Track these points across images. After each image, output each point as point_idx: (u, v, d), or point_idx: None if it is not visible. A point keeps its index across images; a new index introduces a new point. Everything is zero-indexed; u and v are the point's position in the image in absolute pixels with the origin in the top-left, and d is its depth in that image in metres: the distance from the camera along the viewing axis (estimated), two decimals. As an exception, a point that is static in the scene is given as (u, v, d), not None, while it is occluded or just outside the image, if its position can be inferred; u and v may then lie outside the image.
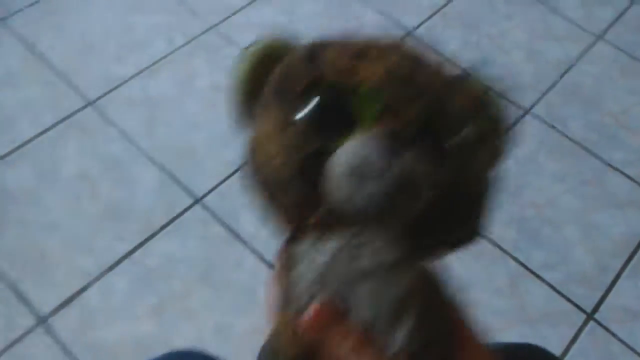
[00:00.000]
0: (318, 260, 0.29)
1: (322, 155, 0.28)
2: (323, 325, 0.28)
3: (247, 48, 0.34)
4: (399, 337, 0.28)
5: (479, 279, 1.07)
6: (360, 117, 0.28)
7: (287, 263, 0.30)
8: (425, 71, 0.30)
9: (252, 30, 1.38)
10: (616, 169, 1.22)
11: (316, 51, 0.31)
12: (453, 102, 0.30)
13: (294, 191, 0.29)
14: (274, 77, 0.32)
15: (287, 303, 0.30)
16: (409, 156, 0.27)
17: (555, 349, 1.00)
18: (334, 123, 0.29)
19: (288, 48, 0.33)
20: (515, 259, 1.09)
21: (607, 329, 1.03)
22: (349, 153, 0.27)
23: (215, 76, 1.31)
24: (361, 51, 0.30)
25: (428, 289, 0.30)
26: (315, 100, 0.29)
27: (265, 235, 1.07)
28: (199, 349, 0.54)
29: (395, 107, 0.28)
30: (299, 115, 0.29)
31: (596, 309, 1.05)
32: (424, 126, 0.29)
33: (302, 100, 0.29)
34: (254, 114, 0.32)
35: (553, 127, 1.28)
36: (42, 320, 0.98)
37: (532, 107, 1.31)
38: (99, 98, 1.25)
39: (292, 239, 0.30)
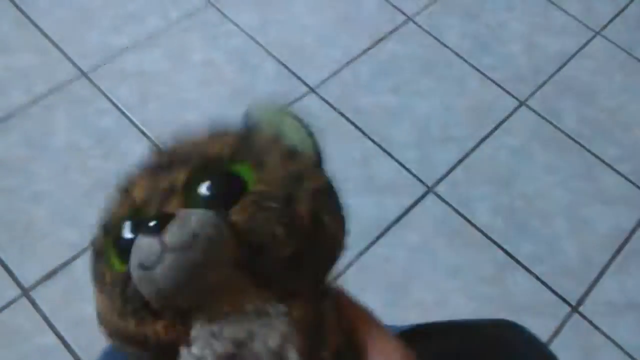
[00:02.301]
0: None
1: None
2: None
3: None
4: None
5: (466, 267, 1.07)
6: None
7: None
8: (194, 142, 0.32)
9: (248, 8, 1.37)
10: (608, 165, 1.22)
11: (104, 211, 0.33)
12: (223, 155, 0.30)
13: (129, 322, 0.29)
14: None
15: None
16: (176, 222, 0.26)
17: (538, 340, 1.01)
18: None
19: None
20: (503, 249, 1.10)
21: (590, 322, 1.04)
22: (131, 258, 0.27)
23: (210, 52, 1.29)
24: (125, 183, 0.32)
25: (305, 324, 0.29)
26: (110, 244, 0.30)
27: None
28: None
29: (168, 192, 0.29)
30: (105, 265, 0.30)
31: (581, 302, 1.06)
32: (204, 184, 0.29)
33: (103, 252, 0.30)
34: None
35: (547, 120, 1.28)
36: (26, 292, 0.97)
37: (527, 99, 1.31)
38: (92, 69, 1.24)
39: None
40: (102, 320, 0.32)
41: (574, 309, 1.05)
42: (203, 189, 0.29)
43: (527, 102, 1.30)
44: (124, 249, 0.29)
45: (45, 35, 1.28)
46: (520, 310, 1.03)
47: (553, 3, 1.47)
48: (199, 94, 1.23)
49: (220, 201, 0.29)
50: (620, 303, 1.06)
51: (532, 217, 1.14)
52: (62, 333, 0.94)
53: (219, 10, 1.37)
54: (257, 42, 1.32)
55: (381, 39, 1.36)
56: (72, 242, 1.03)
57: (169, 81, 1.24)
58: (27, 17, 1.30)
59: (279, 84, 1.26)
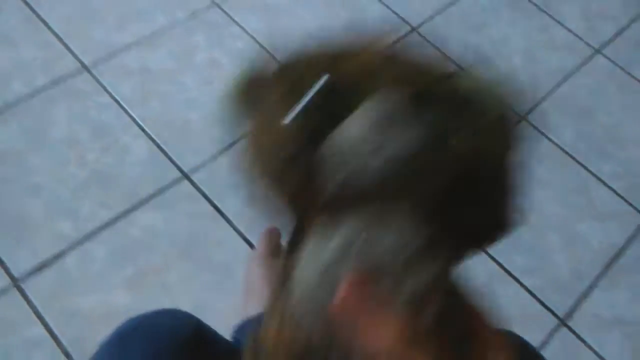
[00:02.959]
0: (331, 246, 0.27)
1: (318, 139, 0.26)
2: (360, 301, 0.26)
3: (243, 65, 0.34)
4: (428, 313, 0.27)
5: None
6: (360, 101, 0.27)
7: (289, 254, 0.29)
8: (407, 58, 0.29)
9: (254, 11, 1.38)
10: (602, 181, 1.23)
11: (300, 57, 0.31)
12: (450, 84, 0.28)
13: (294, 176, 0.28)
14: (272, 78, 0.31)
15: (289, 294, 0.28)
16: (432, 119, 0.24)
17: (526, 352, 1.01)
18: (326, 113, 0.28)
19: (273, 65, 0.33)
20: (495, 261, 1.10)
21: (578, 336, 1.04)
22: (366, 113, 0.25)
23: (214, 53, 1.30)
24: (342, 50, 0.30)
25: (451, 284, 0.29)
26: (312, 87, 0.28)
27: (249, 215, 1.07)
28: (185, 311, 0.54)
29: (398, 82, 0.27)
30: (297, 104, 0.28)
31: (569, 315, 1.06)
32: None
33: (297, 93, 0.28)
34: (249, 114, 0.32)
35: (544, 134, 1.29)
36: (16, 282, 0.97)
37: (526, 113, 1.31)
38: (95, 64, 1.24)
39: (297, 229, 0.29)
40: (260, 150, 0.29)
41: (562, 322, 1.05)
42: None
43: (527, 117, 1.31)
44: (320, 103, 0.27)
45: (50, 29, 1.28)
46: (508, 320, 1.03)
47: (555, 20, 1.49)
48: (201, 93, 1.24)
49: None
50: (608, 318, 1.06)
51: (525, 230, 1.15)
52: (51, 326, 0.94)
53: (224, 11, 1.37)
54: (262, 46, 1.33)
55: (383, 48, 1.37)
56: (66, 234, 1.03)
57: (172, 80, 1.25)
58: (33, 10, 1.31)
59: (280, 87, 1.26)
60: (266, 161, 0.29)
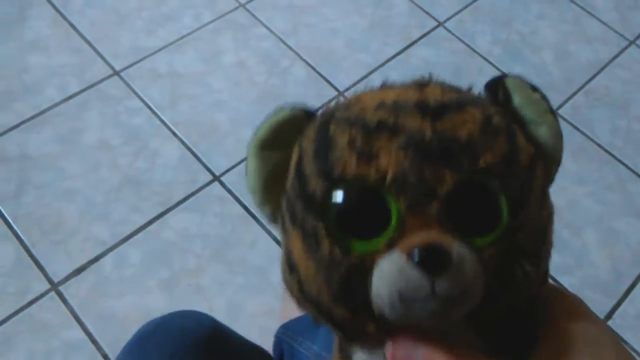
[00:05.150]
0: None
1: (361, 267, 0.26)
2: None
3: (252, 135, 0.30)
4: None
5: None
6: (391, 212, 0.26)
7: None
8: (456, 123, 0.27)
9: (280, 11, 1.37)
10: (640, 177, 1.20)
11: (325, 140, 0.28)
12: (499, 149, 0.27)
13: (340, 309, 0.27)
14: (288, 184, 0.29)
15: None
16: (452, 271, 0.25)
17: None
18: (366, 220, 0.27)
19: (295, 130, 0.30)
20: (531, 260, 1.08)
21: (620, 337, 1.02)
22: (388, 277, 0.25)
23: (241, 54, 1.30)
24: (376, 125, 0.27)
25: None
26: (335, 206, 0.27)
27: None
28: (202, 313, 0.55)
29: (427, 190, 0.26)
30: (322, 228, 0.27)
31: (610, 315, 1.04)
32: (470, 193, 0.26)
33: (324, 209, 0.27)
34: (276, 215, 0.31)
35: (578, 129, 1.26)
36: (55, 287, 0.98)
37: (558, 108, 1.29)
38: (125, 68, 1.25)
39: (347, 342, 0.30)
40: (298, 285, 0.29)
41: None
42: (466, 212, 0.26)
43: (559, 112, 1.29)
44: (360, 226, 0.27)
45: (80, 35, 1.30)
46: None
47: (586, 11, 1.45)
48: (229, 95, 1.24)
49: (475, 230, 0.26)
50: (651, 318, 1.04)
51: (562, 228, 1.13)
52: (89, 328, 0.95)
53: (250, 12, 1.38)
54: (288, 45, 1.33)
55: (411, 44, 1.36)
56: (102, 239, 1.04)
57: (200, 82, 1.25)
58: (64, 17, 1.32)
59: (309, 87, 1.26)
60: (315, 289, 0.28)
